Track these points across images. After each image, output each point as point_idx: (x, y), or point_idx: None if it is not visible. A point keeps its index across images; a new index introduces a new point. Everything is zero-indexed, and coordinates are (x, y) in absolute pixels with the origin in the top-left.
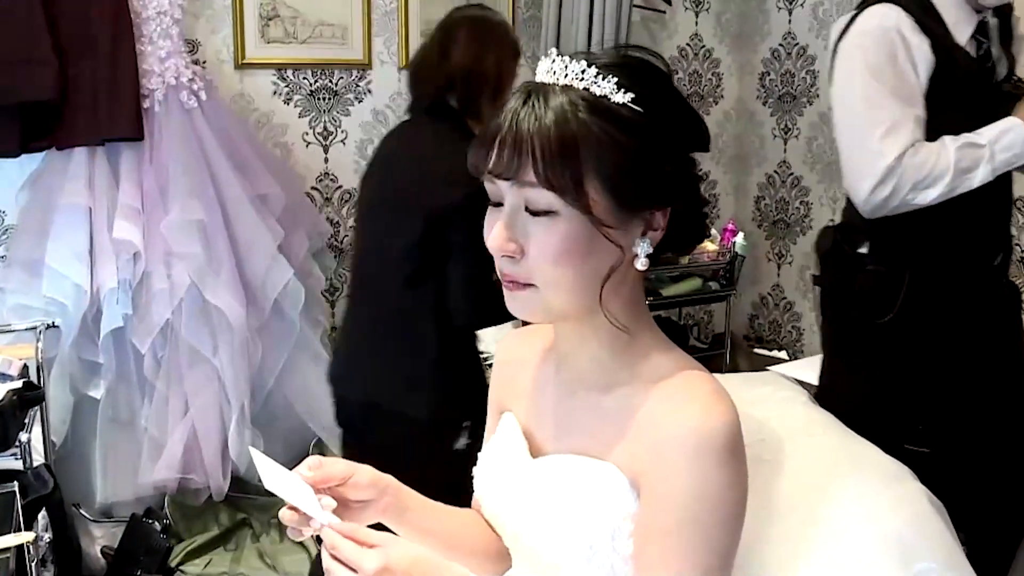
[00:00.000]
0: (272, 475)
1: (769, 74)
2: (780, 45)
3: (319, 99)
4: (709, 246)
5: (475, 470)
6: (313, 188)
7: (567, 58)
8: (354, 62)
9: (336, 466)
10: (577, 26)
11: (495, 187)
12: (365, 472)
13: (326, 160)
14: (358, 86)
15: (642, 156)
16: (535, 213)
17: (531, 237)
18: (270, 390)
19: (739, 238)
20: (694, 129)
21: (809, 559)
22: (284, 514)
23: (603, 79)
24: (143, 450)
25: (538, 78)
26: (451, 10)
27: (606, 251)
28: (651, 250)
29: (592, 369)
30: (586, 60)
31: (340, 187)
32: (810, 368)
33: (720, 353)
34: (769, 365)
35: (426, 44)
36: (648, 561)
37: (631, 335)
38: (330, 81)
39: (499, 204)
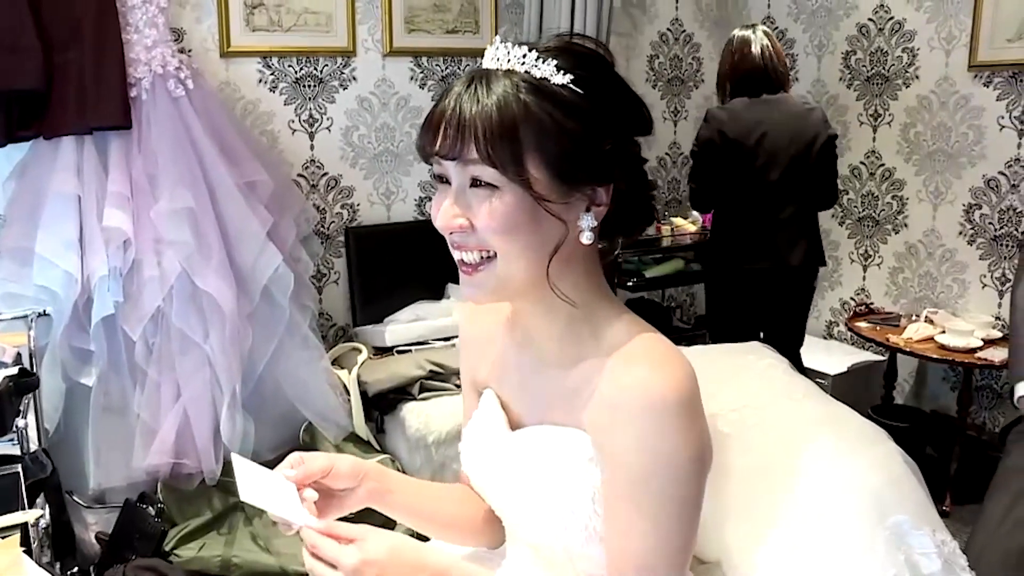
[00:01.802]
0: (251, 482)
1: None
2: None
3: (304, 87)
4: (690, 227)
5: (460, 446)
6: (299, 175)
7: (509, 44)
8: (339, 50)
9: (316, 461)
10: (560, 12)
11: (441, 168)
12: (344, 462)
13: (312, 147)
14: (343, 73)
15: (581, 134)
16: (479, 187)
17: (476, 212)
18: (260, 375)
19: None
20: (635, 112)
21: (791, 515)
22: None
23: (543, 62)
24: (135, 436)
25: (483, 65)
26: (754, 25)
27: (551, 225)
28: (595, 223)
29: (553, 348)
30: (527, 46)
31: (326, 174)
32: None
33: (702, 334)
34: None
35: (768, 49)
36: (612, 522)
37: (587, 310)
38: (315, 69)
39: (446, 184)
